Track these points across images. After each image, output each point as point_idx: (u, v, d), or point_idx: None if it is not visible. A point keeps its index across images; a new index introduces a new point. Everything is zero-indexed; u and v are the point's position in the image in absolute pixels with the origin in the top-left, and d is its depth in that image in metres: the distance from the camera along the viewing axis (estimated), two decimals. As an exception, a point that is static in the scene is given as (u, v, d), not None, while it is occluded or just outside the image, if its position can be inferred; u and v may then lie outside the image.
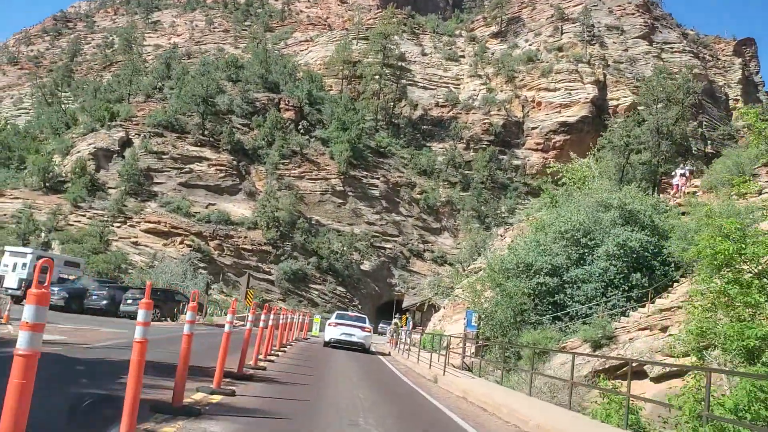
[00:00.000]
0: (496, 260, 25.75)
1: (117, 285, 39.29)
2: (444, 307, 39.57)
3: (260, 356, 17.24)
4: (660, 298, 23.61)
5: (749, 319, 9.61)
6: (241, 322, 40.58)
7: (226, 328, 11.44)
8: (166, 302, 35.16)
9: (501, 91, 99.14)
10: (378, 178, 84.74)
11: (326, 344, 29.13)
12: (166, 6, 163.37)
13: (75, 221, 66.79)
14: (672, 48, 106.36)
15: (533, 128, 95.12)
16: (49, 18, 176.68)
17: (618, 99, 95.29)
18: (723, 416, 8.35)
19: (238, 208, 74.61)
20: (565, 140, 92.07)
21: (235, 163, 77.59)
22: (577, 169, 32.89)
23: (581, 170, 32.37)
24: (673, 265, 23.77)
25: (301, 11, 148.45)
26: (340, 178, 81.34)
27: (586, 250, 24.82)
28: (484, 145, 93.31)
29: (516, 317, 23.64)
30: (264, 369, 15.18)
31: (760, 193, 28.26)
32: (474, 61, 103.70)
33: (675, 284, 24.27)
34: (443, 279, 79.65)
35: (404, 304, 56.72)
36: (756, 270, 9.57)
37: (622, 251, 23.90)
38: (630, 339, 20.49)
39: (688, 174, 33.90)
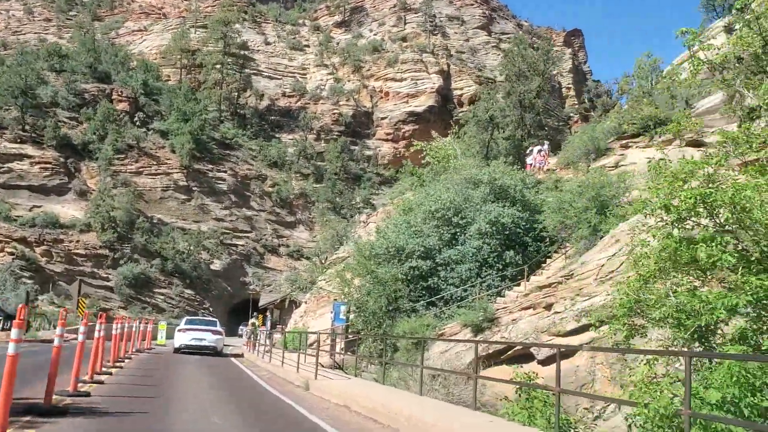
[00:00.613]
0: (364, 246, 23.42)
1: None
2: (306, 302, 36.86)
3: (85, 377, 13.75)
4: (534, 275, 22.40)
5: (700, 286, 7.94)
6: (74, 336, 35.61)
7: (56, 342, 10.34)
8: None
9: (348, 80, 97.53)
10: (225, 172, 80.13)
11: (176, 350, 28.36)
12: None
13: None
14: (509, 39, 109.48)
15: (382, 118, 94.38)
16: None
17: (462, 88, 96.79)
18: (711, 414, 6.47)
19: (68, 210, 67.34)
20: (414, 130, 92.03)
21: (62, 160, 69.98)
22: (440, 147, 31.38)
23: (444, 149, 30.88)
24: (547, 240, 22.63)
25: (134, 0, 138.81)
26: (183, 172, 75.95)
27: (458, 230, 23.11)
28: (335, 136, 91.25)
29: (390, 306, 21.46)
30: (87, 395, 11.77)
31: (617, 166, 28.12)
32: (319, 51, 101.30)
33: (548, 260, 23.22)
34: (301, 274, 76.78)
35: (261, 303, 53.30)
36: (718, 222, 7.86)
37: (494, 228, 22.40)
38: (513, 320, 18.91)
39: (546, 152, 33.49)
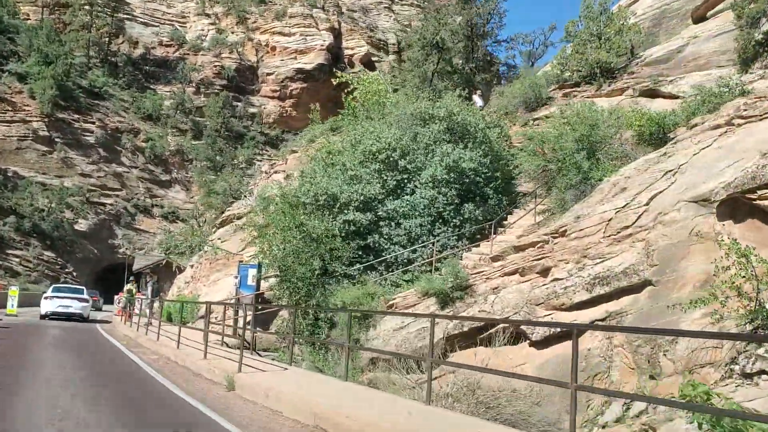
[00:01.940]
0: (289, 192, 17.86)
1: None
2: (193, 266, 30.71)
3: None
4: (497, 234, 17.92)
5: None
6: None
7: None
8: None
9: (232, 32, 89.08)
10: (93, 123, 70.40)
11: (42, 317, 27.53)
12: None
13: None
14: (402, 0, 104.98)
15: (269, 74, 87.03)
16: None
17: (353, 48, 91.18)
18: None
19: None
20: (302, 88, 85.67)
21: None
22: (369, 81, 26.08)
23: (371, 82, 25.61)
24: (515, 194, 18.19)
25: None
26: (45, 121, 65.71)
27: (405, 176, 18.13)
28: (216, 90, 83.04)
29: (324, 269, 16.21)
30: None
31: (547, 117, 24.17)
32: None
33: (508, 216, 18.84)
34: (176, 236, 69.03)
35: (135, 267, 46.01)
36: None
37: (451, 176, 17.65)
38: (494, 289, 14.30)
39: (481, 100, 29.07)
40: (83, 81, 73.89)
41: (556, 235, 14.76)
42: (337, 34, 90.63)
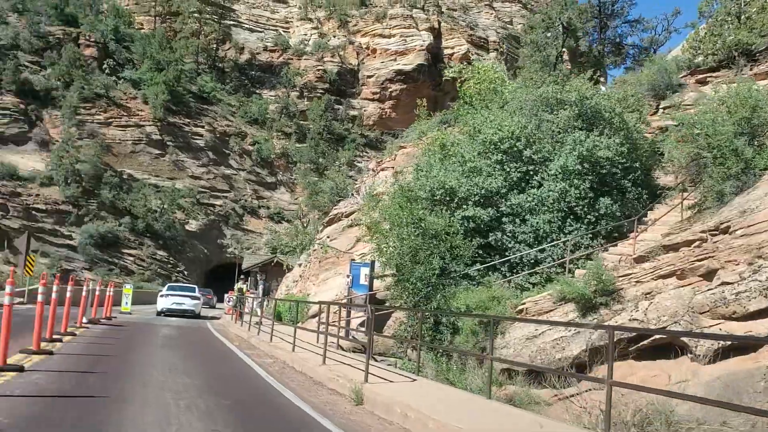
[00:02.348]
0: (406, 187, 16.53)
1: None
2: (300, 265, 30.07)
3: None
4: (637, 232, 15.85)
5: None
6: (20, 299, 28.29)
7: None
8: None
9: (334, 36, 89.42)
10: (203, 127, 72.24)
11: (159, 313, 28.85)
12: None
13: None
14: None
15: (369, 77, 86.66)
16: None
17: (453, 47, 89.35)
18: None
19: (28, 161, 59.19)
20: (402, 89, 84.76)
21: (22, 106, 61.54)
22: (484, 69, 24.45)
23: (488, 71, 23.96)
24: (655, 187, 16.09)
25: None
26: (157, 125, 67.96)
27: (530, 168, 16.41)
28: (318, 94, 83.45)
29: (443, 269, 14.77)
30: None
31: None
32: (304, 4, 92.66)
33: (649, 212, 16.71)
34: (282, 237, 69.69)
35: (244, 266, 46.31)
36: None
37: (585, 166, 15.78)
38: (647, 294, 12.39)
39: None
40: (193, 86, 76.04)
41: (716, 232, 12.67)
42: (436, 33, 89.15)
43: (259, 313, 22.66)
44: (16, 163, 57.73)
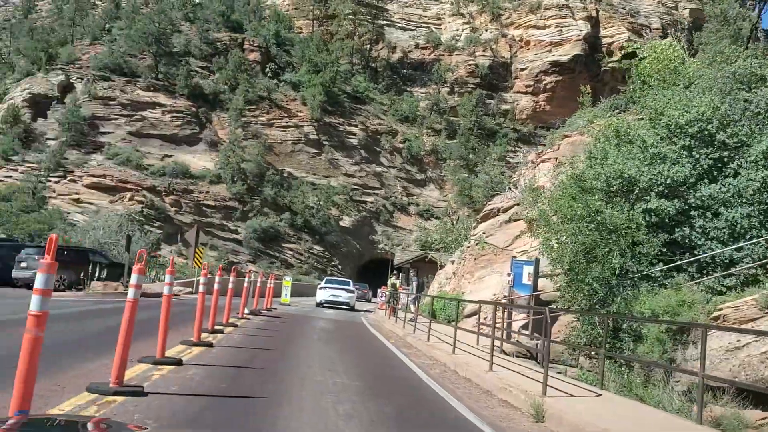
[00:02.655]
0: (576, 176, 14.94)
1: (11, 243, 28.01)
2: (453, 262, 29.09)
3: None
4: None
5: None
6: (189, 290, 29.71)
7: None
8: (73, 265, 24.03)
9: (486, 30, 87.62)
10: (356, 126, 73.48)
11: (318, 305, 30.67)
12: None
13: (5, 177, 54.87)
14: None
15: (522, 69, 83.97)
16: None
17: (612, 36, 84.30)
18: None
19: (199, 160, 63.15)
20: (557, 81, 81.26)
21: (194, 109, 65.80)
22: (661, 48, 22.06)
23: (666, 50, 21.55)
24: None
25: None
26: (314, 125, 69.99)
27: (725, 154, 14.25)
28: (469, 89, 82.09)
29: (623, 269, 13.10)
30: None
31: None
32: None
33: None
34: (431, 233, 69.24)
35: (396, 261, 46.21)
36: None
37: (794, 151, 13.39)
38: None
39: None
40: (347, 87, 77.59)
41: None
42: (594, 22, 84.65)
43: (413, 310, 21.96)
44: (189, 163, 61.74)
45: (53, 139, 59.60)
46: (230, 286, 16.96)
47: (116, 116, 62.72)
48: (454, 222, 72.92)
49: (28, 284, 24.53)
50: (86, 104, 62.02)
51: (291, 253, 61.69)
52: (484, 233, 24.09)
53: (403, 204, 73.02)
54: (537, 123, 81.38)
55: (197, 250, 30.19)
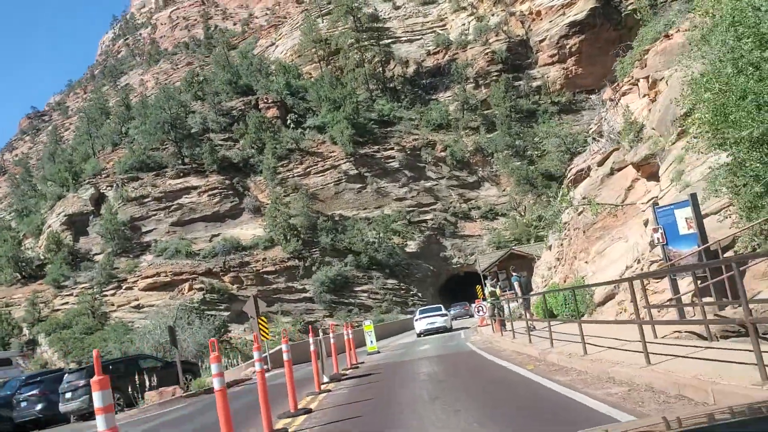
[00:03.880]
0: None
1: (54, 374, 24.22)
2: (550, 248, 24.03)
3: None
4: None
5: None
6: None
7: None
8: (122, 379, 19.99)
9: (492, 15, 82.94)
10: (392, 148, 69.30)
11: (418, 335, 31.21)
12: (131, 68, 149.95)
13: (61, 305, 52.44)
14: None
15: (541, 41, 78.63)
16: (24, 119, 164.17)
17: (622, -24, 78.36)
18: None
19: (247, 230, 59.82)
20: (581, 41, 75.54)
21: (227, 182, 62.84)
22: None
23: None
24: None
25: (261, 24, 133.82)
26: (351, 160, 66.09)
27: None
28: (494, 77, 77.18)
29: None
30: None
31: None
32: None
33: None
34: (501, 233, 63.85)
35: (481, 268, 41.27)
36: None
37: None
38: None
39: None
40: (371, 114, 73.72)
41: None
42: (599, -31, 78.82)
43: (527, 316, 17.05)
44: (238, 235, 58.46)
45: (99, 254, 57.23)
46: (312, 347, 12.56)
47: (154, 212, 60.19)
48: (522, 213, 67.54)
49: (82, 415, 20.70)
50: (122, 209, 59.73)
51: (365, 295, 57.27)
52: (584, 197, 18.99)
53: (464, 211, 68.03)
54: (573, 89, 75.72)
55: (260, 321, 25.89)
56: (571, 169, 24.13)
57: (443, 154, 70.91)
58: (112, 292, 53.09)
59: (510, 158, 69.45)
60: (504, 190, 69.57)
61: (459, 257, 63.85)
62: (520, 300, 17.73)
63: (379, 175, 66.97)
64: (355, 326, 38.82)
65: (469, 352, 17.07)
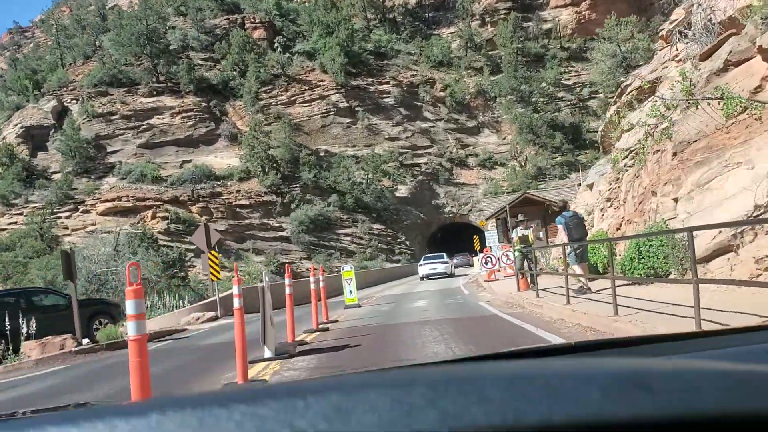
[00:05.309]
0: None
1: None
2: (591, 187, 18.15)
3: None
4: None
5: None
6: (211, 314, 19.64)
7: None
8: (7, 319, 14.06)
9: (504, -52, 74.97)
10: (388, 83, 62.57)
11: (421, 278, 32.95)
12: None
13: (8, 224, 46.14)
14: None
15: (555, -20, 71.33)
16: (5, 34, 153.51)
17: None
18: None
19: (222, 158, 53.42)
20: (598, -17, 68.38)
21: (204, 104, 56.08)
22: None
23: None
24: None
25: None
26: (341, 91, 59.36)
27: None
28: (502, 16, 70.03)
29: None
30: None
31: None
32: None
33: None
34: (500, 183, 57.91)
35: (488, 213, 35.85)
36: None
37: None
38: None
39: None
40: (367, 44, 66.60)
41: None
42: None
43: (577, 271, 11.32)
44: (211, 163, 52.16)
45: (57, 172, 50.68)
46: (236, 304, 6.71)
47: (121, 131, 53.47)
48: (523, 164, 61.65)
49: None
50: (87, 125, 52.95)
51: (349, 239, 51.50)
52: (648, 114, 12.99)
53: (461, 158, 61.95)
54: (585, 36, 68.90)
55: (211, 256, 19.93)
56: (627, 86, 18.00)
57: (442, 94, 64.32)
58: (67, 214, 46.89)
59: (514, 104, 63.11)
60: (504, 138, 63.43)
61: (452, 206, 58.09)
62: (573, 249, 11.78)
63: (371, 110, 60.40)
64: (334, 272, 33.12)
65: (486, 315, 11.27)
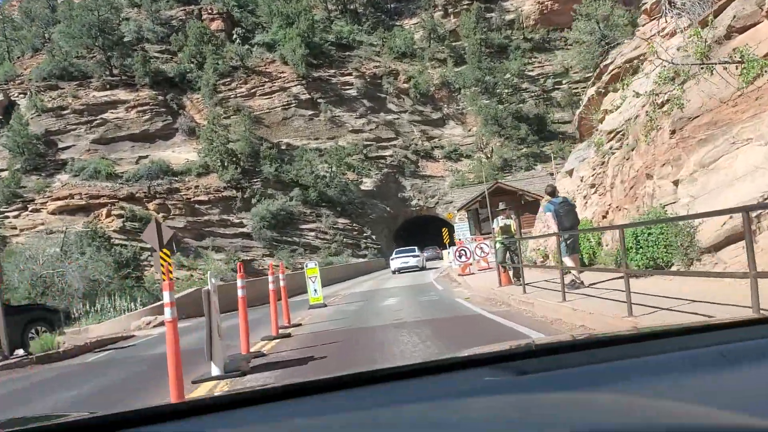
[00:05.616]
0: None
1: None
2: (570, 173, 16.95)
3: None
4: None
5: None
6: (144, 334, 17.93)
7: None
8: None
9: (466, -62, 73.87)
10: (350, 74, 60.89)
11: (393, 272, 32.69)
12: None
13: (-49, 227, 43.25)
14: None
15: (517, -29, 70.51)
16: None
17: None
18: None
19: (179, 153, 51.16)
20: (560, -27, 67.70)
21: (160, 98, 53.67)
22: None
23: None
24: None
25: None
26: (303, 83, 57.48)
27: None
28: (464, 6, 68.98)
29: None
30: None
31: None
32: None
33: None
34: (466, 175, 56.87)
35: (458, 205, 34.64)
36: None
37: None
38: None
39: None
40: (329, 36, 64.81)
41: None
42: None
43: (568, 263, 10.00)
44: (168, 159, 49.87)
45: (5, 170, 47.80)
46: (168, 316, 5.17)
47: (73, 126, 50.77)
48: (489, 156, 60.73)
49: None
50: (36, 121, 50.13)
51: (313, 234, 49.80)
52: (635, 91, 11.76)
53: (426, 150, 60.70)
54: (548, 26, 68.33)
55: (163, 254, 18.13)
56: (607, 65, 16.83)
57: (406, 85, 62.95)
58: (16, 213, 44.22)
59: (478, 95, 62.12)
60: (470, 130, 62.43)
61: (419, 199, 56.83)
62: (564, 240, 10.43)
63: (334, 102, 58.69)
64: (298, 269, 31.50)
65: (472, 316, 9.89)
